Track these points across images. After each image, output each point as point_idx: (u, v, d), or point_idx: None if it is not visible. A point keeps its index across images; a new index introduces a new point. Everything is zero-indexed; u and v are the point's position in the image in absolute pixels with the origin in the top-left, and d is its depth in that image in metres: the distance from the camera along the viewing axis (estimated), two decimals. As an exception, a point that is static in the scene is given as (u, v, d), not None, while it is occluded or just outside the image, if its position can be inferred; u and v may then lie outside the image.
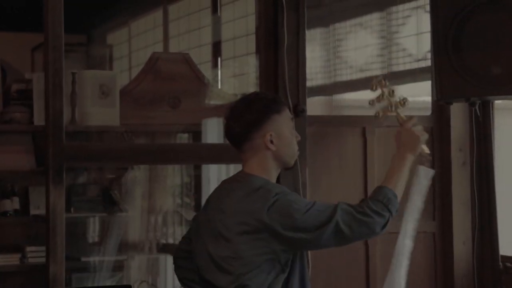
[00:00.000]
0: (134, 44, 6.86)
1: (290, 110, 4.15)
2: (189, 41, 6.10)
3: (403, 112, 2.98)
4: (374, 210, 2.74)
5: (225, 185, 2.97)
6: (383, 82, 2.99)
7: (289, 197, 2.76)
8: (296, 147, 2.92)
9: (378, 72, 5.31)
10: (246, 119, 2.85)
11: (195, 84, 4.76)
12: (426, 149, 2.94)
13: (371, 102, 3.00)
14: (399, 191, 2.82)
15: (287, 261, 2.77)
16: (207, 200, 3.02)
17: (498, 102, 4.43)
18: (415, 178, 2.94)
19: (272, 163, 2.87)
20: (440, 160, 4.61)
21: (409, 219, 2.94)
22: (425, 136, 2.91)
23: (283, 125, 2.87)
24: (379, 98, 2.98)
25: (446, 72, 3.54)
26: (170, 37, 6.31)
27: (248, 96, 2.96)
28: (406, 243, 2.94)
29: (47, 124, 3.90)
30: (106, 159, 4.12)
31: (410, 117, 2.96)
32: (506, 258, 4.14)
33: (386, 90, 2.98)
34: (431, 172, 2.97)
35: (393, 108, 2.97)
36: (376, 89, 2.99)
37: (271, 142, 2.84)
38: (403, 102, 2.97)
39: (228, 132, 2.91)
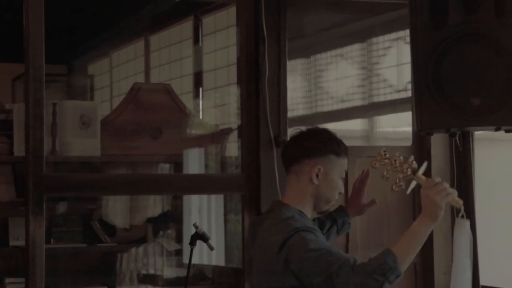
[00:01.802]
0: (116, 75, 6.86)
1: (273, 141, 4.23)
2: (171, 71, 6.11)
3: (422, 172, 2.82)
4: (369, 274, 2.63)
5: (264, 213, 2.98)
6: (382, 154, 2.84)
7: (304, 234, 2.73)
8: (335, 197, 2.91)
9: (359, 103, 5.34)
10: (305, 144, 2.88)
11: (177, 115, 4.76)
12: (457, 203, 2.76)
13: (384, 177, 2.83)
14: (404, 256, 2.68)
15: None
16: None
17: (478, 133, 4.45)
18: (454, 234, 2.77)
19: (309, 198, 2.88)
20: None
21: (458, 279, 2.75)
22: (448, 196, 2.72)
23: (334, 169, 2.88)
24: (388, 172, 2.82)
25: (426, 103, 3.55)
26: (152, 67, 6.31)
27: (319, 128, 3.00)
28: None
29: (27, 155, 3.88)
30: (87, 190, 4.11)
31: (432, 180, 2.77)
32: (487, 289, 4.14)
33: (388, 162, 2.82)
34: (466, 223, 2.78)
35: (407, 173, 2.79)
36: (377, 165, 2.84)
37: (317, 176, 2.84)
38: (411, 163, 2.80)
39: (284, 148, 2.96)
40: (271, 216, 2.85)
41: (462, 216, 2.72)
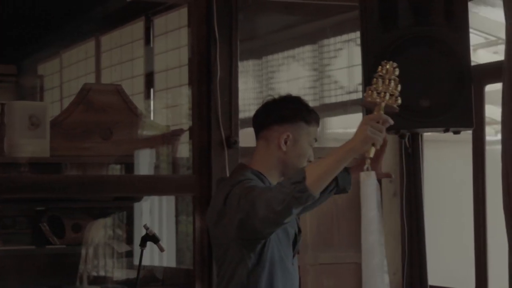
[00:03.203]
0: (66, 75, 6.80)
1: (225, 141, 4.23)
2: (122, 72, 6.08)
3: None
4: (278, 189, 2.59)
5: (226, 178, 2.99)
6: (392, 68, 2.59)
7: (246, 182, 2.75)
8: (304, 164, 2.89)
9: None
10: (276, 110, 2.88)
11: (127, 116, 4.74)
12: (370, 153, 2.55)
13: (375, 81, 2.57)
14: (314, 174, 2.55)
15: (251, 252, 2.76)
16: None
17: (427, 134, 4.51)
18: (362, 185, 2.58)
19: (276, 164, 2.87)
20: (371, 192, 4.66)
21: (367, 233, 2.55)
22: (377, 139, 2.53)
23: (303, 136, 2.88)
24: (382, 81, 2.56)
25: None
26: (102, 68, 6.27)
27: (291, 95, 2.98)
28: (375, 262, 2.54)
29: (-25, 156, 3.83)
30: (36, 191, 4.06)
31: (380, 115, 2.55)
32: (435, 288, 4.19)
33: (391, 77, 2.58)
34: (371, 175, 2.57)
35: (383, 97, 2.54)
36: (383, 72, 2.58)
37: (285, 143, 2.84)
38: (395, 99, 2.57)
39: (256, 114, 2.94)
40: (229, 179, 2.88)
41: (367, 169, 2.58)
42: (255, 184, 2.75)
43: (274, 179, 2.90)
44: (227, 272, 2.81)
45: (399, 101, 2.59)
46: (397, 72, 2.60)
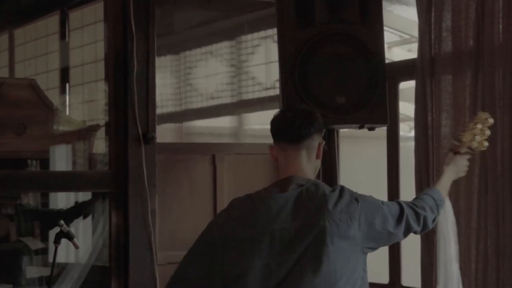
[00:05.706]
0: (-22, 69, 6.65)
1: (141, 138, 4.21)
2: (36, 66, 5.98)
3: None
4: (430, 207, 2.94)
5: (295, 189, 2.77)
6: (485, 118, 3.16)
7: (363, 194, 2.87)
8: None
9: (228, 100, 5.37)
10: (314, 119, 2.80)
11: (42, 111, 4.67)
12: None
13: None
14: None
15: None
16: (239, 215, 2.77)
17: (343, 131, 4.57)
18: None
19: (314, 172, 2.84)
20: (288, 187, 4.69)
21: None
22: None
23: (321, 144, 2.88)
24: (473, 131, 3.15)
25: (293, 101, 3.61)
26: (16, 62, 6.15)
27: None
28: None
29: None
30: None
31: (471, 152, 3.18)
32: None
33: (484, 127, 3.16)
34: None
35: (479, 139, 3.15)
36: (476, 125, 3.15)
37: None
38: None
39: (295, 123, 2.79)
40: (319, 190, 2.73)
41: None
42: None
43: None
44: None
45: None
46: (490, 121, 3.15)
